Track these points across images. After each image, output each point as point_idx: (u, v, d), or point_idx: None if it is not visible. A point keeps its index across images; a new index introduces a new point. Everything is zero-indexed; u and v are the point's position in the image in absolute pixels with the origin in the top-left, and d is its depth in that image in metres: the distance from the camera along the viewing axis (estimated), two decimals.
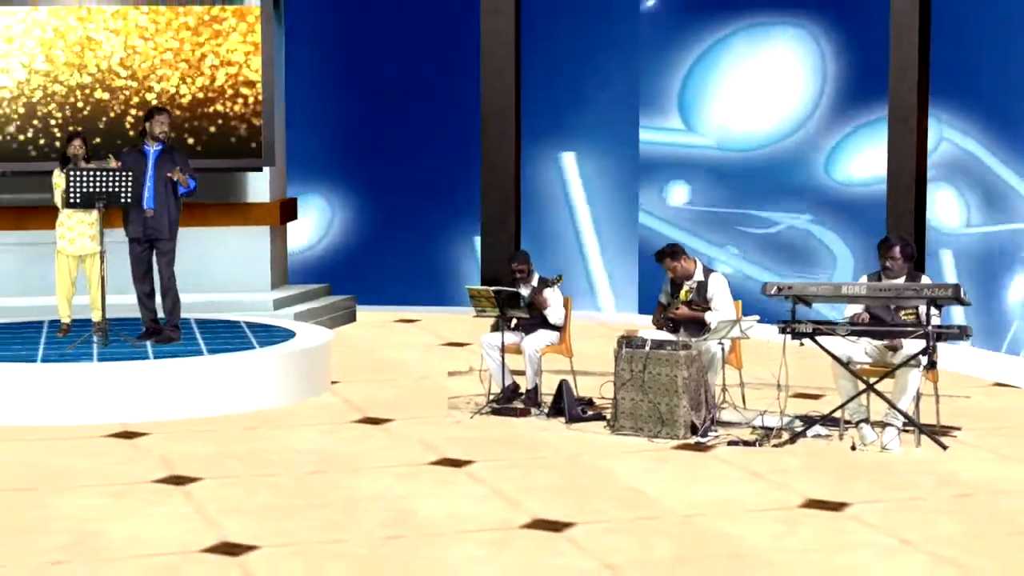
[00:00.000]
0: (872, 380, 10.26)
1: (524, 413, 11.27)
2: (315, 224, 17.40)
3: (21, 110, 15.12)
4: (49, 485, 9.21)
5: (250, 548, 7.79)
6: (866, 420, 10.31)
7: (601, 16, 16.51)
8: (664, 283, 11.46)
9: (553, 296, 11.55)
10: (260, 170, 15.84)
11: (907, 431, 10.11)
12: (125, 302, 13.07)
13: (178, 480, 9.33)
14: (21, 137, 15.13)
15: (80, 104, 15.18)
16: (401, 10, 17.07)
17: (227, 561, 7.58)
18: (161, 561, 7.59)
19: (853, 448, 10.01)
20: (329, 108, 17.25)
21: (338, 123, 17.29)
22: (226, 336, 12.87)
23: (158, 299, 12.56)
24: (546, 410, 11.22)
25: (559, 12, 16.68)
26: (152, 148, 12.34)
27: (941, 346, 10.28)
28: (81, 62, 15.23)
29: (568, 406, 11.02)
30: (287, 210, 16.26)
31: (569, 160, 16.77)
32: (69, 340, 12.53)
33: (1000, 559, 7.51)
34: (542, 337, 11.55)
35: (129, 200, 12.12)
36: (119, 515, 8.50)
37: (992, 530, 8.09)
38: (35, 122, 15.14)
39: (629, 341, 10.67)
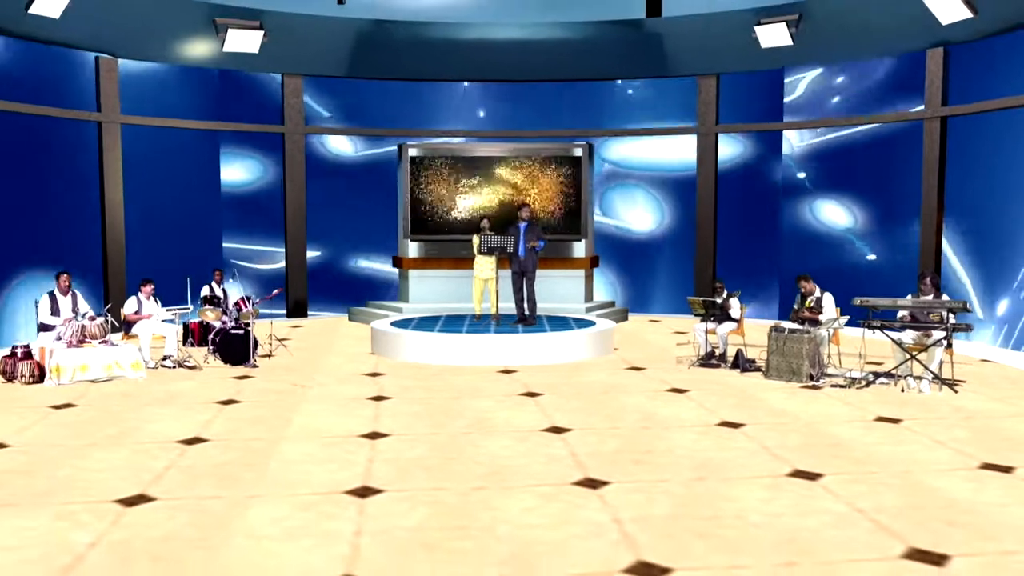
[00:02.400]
0: (914, 353, 9.46)
1: (716, 367, 10.66)
2: (607, 270, 16.95)
3: (463, 213, 15.26)
4: (466, 395, 9.12)
5: (567, 430, 7.55)
6: (910, 375, 9.45)
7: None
8: (796, 296, 10.77)
9: (734, 302, 10.98)
10: (580, 240, 15.55)
11: (934, 382, 9.26)
12: (508, 305, 12.99)
13: (532, 394, 9.10)
14: (456, 218, 15.24)
15: (487, 206, 15.21)
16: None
17: (554, 437, 7.34)
18: (519, 434, 7.43)
19: (902, 391, 9.19)
20: (609, 209, 16.86)
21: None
22: (560, 324, 12.56)
23: (525, 303, 12.36)
24: (729, 365, 10.61)
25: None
26: (522, 224, 12.24)
27: (954, 335, 9.54)
28: (491, 187, 15.29)
29: (741, 363, 10.41)
30: (593, 262, 15.92)
31: None
32: (479, 323, 12.45)
33: (993, 451, 6.85)
34: (728, 325, 10.93)
35: (511, 251, 12.07)
36: (501, 412, 8.36)
37: (987, 436, 7.35)
38: (465, 214, 15.24)
39: (776, 328, 10.03)
